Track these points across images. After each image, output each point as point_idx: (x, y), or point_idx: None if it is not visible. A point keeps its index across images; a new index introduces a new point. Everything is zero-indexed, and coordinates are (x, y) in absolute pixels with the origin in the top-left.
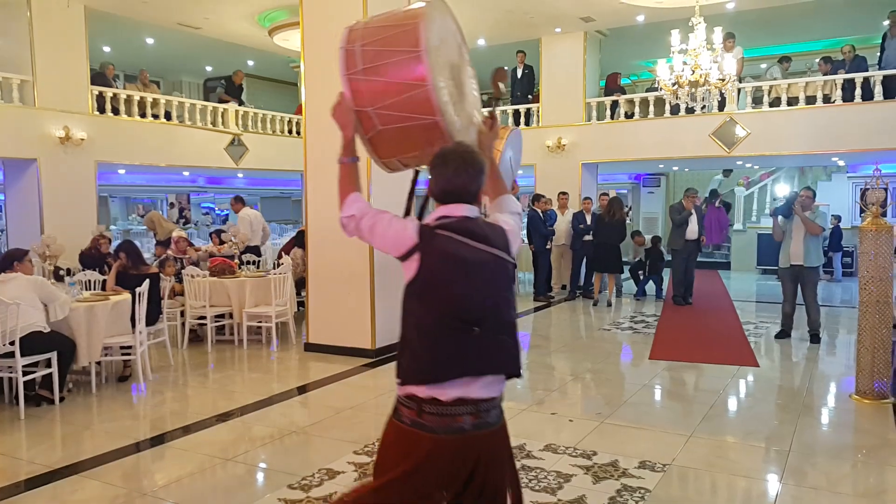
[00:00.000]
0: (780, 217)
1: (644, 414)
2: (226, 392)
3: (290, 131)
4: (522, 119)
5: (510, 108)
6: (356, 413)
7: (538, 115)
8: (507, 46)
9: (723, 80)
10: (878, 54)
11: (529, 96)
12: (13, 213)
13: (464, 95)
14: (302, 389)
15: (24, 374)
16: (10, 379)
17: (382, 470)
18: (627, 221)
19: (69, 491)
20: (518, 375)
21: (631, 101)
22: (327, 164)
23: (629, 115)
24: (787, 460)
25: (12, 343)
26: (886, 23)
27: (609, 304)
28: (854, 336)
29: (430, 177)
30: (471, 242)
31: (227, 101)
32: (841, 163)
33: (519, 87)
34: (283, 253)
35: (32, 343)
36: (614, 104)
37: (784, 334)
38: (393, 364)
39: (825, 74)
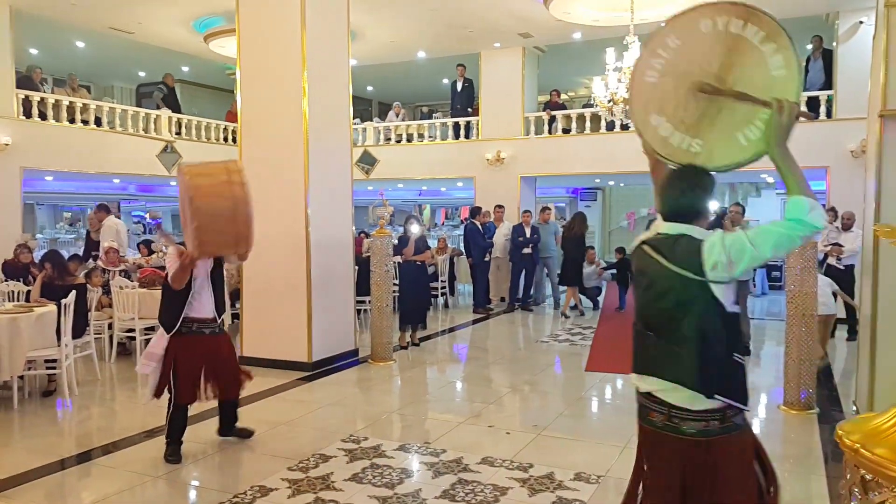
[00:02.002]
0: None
1: (580, 426)
2: (155, 407)
3: (225, 139)
4: (462, 132)
5: (450, 121)
6: (291, 428)
7: (478, 129)
8: (448, 59)
9: None
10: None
11: (469, 109)
12: None
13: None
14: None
15: None
16: None
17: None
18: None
19: None
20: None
21: (568, 117)
22: (262, 173)
23: (567, 131)
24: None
25: None
26: (809, 46)
27: (565, 316)
28: (782, 348)
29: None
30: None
31: (162, 107)
32: (770, 179)
33: (458, 99)
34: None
35: None
36: (552, 119)
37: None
38: (329, 377)
39: None
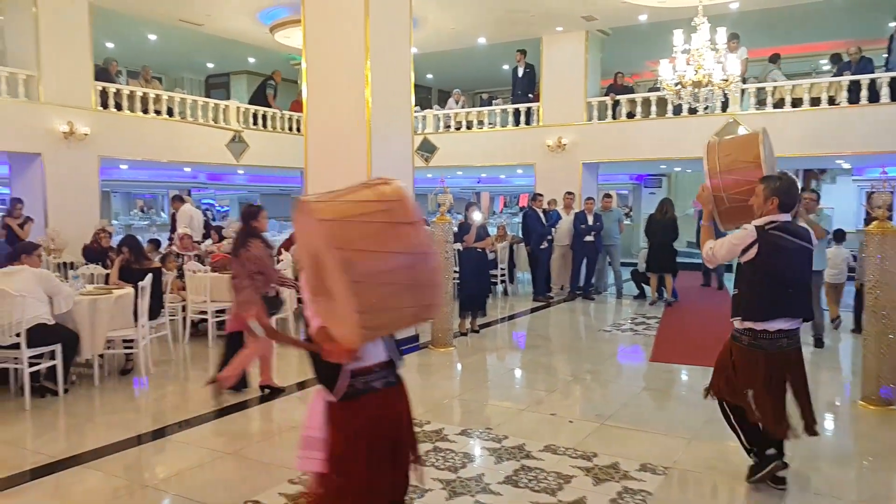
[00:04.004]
0: None
1: (645, 416)
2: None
3: (290, 128)
4: (522, 118)
5: (510, 108)
6: None
7: (538, 115)
8: (508, 45)
9: (726, 80)
10: (885, 56)
11: (530, 95)
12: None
13: None
14: (302, 385)
15: (30, 365)
16: (16, 370)
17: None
18: (627, 222)
19: (72, 482)
20: (812, 319)
21: (633, 101)
22: (327, 161)
23: (631, 115)
24: (790, 466)
25: (18, 335)
26: (893, 24)
27: (669, 304)
28: (859, 341)
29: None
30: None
31: (273, 102)
32: (846, 165)
33: (519, 86)
34: (282, 249)
35: (37, 335)
36: (616, 104)
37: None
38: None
39: (835, 74)
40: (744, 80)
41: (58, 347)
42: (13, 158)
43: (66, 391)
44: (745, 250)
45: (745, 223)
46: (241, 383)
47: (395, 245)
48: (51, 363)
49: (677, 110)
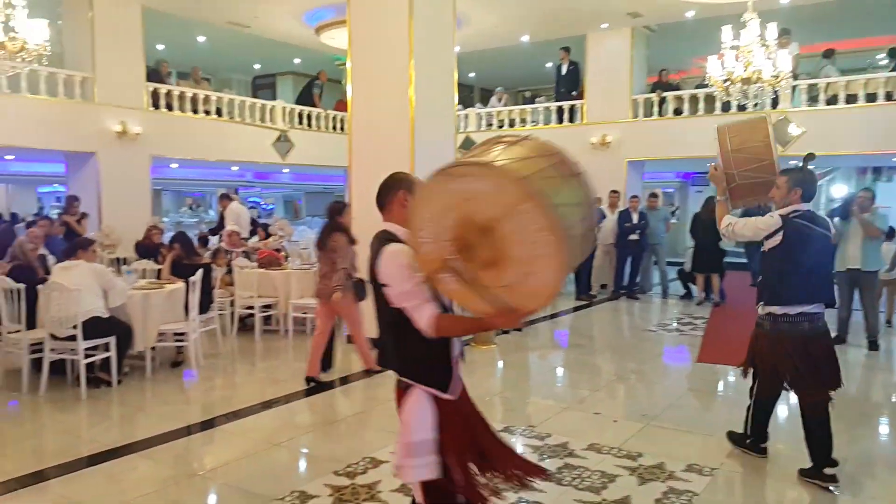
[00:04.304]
0: (836, 219)
1: (691, 417)
2: (272, 380)
3: (334, 128)
4: (566, 116)
5: (553, 106)
6: None
7: (582, 112)
8: (551, 43)
9: (776, 77)
10: None
11: (573, 93)
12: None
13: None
14: (345, 380)
15: (85, 357)
16: (73, 361)
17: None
18: (673, 221)
19: (125, 469)
20: (834, 305)
21: (680, 98)
22: (371, 159)
23: (678, 112)
24: (842, 470)
25: (75, 327)
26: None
27: (716, 304)
28: None
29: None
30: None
31: (319, 102)
32: None
33: (563, 83)
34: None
35: (93, 328)
36: (662, 101)
37: (840, 340)
38: None
39: (893, 69)
40: (795, 77)
41: (112, 340)
42: (70, 157)
43: (119, 382)
44: (769, 236)
45: (752, 200)
46: (326, 363)
47: (575, 197)
48: (105, 355)
49: (726, 107)
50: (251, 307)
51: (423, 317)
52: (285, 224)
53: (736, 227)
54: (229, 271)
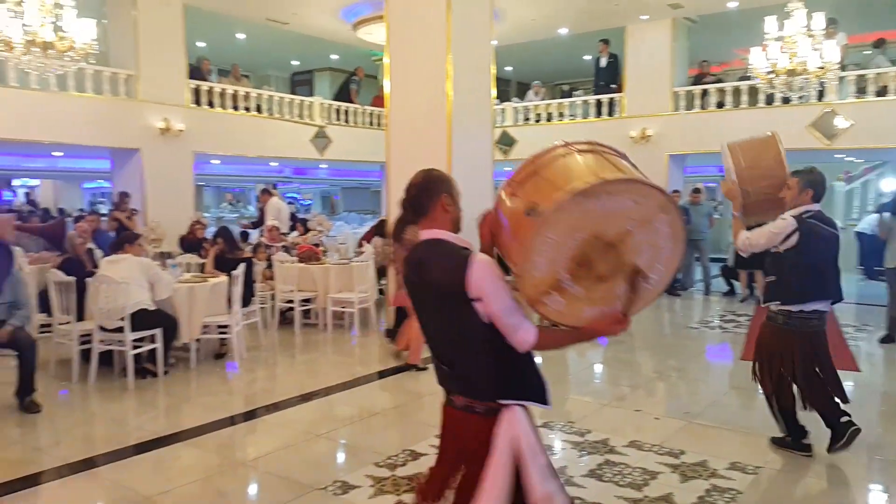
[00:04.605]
0: (885, 214)
1: (734, 415)
2: (312, 373)
3: (371, 123)
4: (605, 109)
5: (592, 99)
6: (436, 399)
7: (621, 105)
8: (590, 35)
9: (823, 68)
10: None
11: (612, 86)
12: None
13: None
14: (383, 374)
15: (133, 348)
16: (121, 352)
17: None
18: (717, 216)
19: (172, 457)
20: (841, 300)
21: (722, 91)
22: (408, 154)
23: (720, 105)
24: (891, 470)
25: (122, 319)
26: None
27: (759, 302)
28: None
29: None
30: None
31: (356, 98)
32: None
33: (602, 76)
34: (363, 241)
35: (140, 320)
36: (704, 93)
37: (889, 339)
38: None
39: None
40: (842, 68)
41: (158, 331)
42: (115, 154)
43: (165, 373)
44: (786, 238)
45: (767, 216)
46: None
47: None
48: (152, 346)
49: (769, 100)
50: (291, 301)
51: (527, 332)
52: (323, 219)
53: (753, 239)
54: (269, 266)
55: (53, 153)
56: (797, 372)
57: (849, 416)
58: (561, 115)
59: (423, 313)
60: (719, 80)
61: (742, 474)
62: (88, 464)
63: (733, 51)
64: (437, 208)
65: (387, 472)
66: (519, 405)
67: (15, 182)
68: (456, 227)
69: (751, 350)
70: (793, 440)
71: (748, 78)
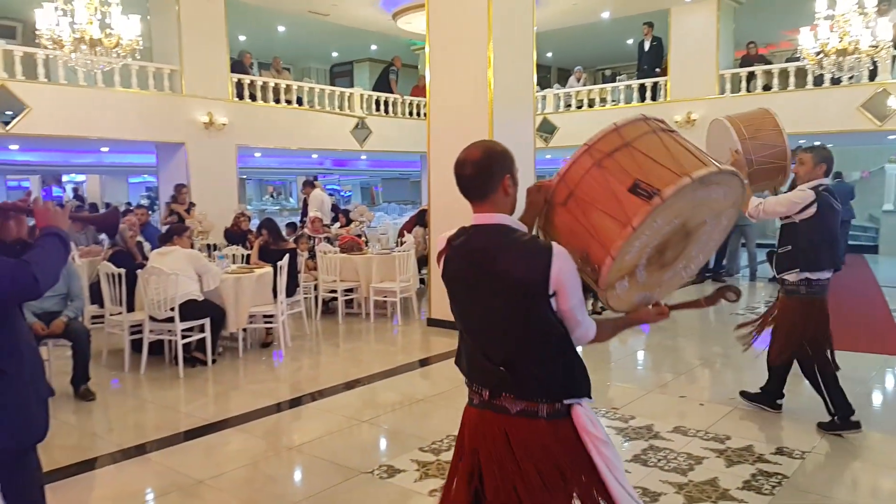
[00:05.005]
0: None
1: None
2: (355, 361)
3: (410, 113)
4: (648, 94)
5: (635, 83)
6: None
7: (666, 89)
8: (633, 19)
9: (875, 47)
10: None
11: (656, 69)
12: (166, 193)
13: None
14: (424, 362)
15: (182, 337)
16: (171, 342)
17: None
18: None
19: (221, 443)
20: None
21: (769, 73)
22: (449, 143)
23: (767, 88)
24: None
25: (172, 309)
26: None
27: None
28: None
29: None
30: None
31: (395, 88)
32: None
33: (645, 60)
34: (404, 231)
35: (189, 310)
36: (751, 76)
37: None
38: None
39: None
40: None
41: (207, 321)
42: (160, 148)
43: (213, 361)
44: (804, 208)
45: (767, 185)
46: None
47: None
48: (200, 336)
49: (818, 81)
50: (334, 291)
51: (590, 327)
52: (365, 210)
53: (766, 206)
54: (312, 256)
55: (101, 148)
56: (816, 338)
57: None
58: (603, 100)
59: (472, 307)
60: (766, 62)
61: (789, 459)
62: (141, 449)
63: (781, 32)
64: (500, 190)
65: (431, 457)
66: (579, 403)
67: (64, 178)
68: (513, 211)
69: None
70: (841, 419)
71: (796, 59)
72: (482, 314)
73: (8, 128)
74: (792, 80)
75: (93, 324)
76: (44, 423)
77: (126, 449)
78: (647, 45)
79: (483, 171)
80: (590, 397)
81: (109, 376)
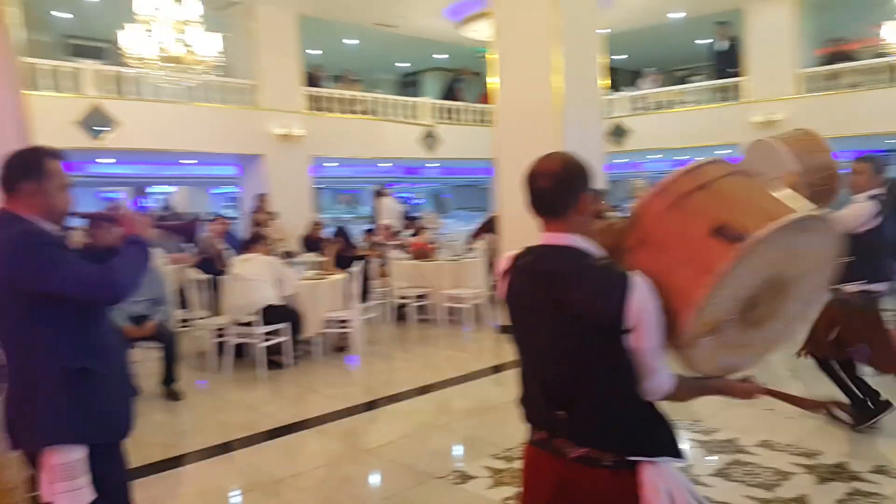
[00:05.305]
0: None
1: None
2: (428, 366)
3: (478, 120)
4: (725, 95)
5: (709, 85)
6: None
7: (742, 90)
8: (707, 18)
9: None
10: None
11: (732, 70)
12: (246, 202)
13: None
14: (497, 368)
15: (263, 341)
16: (252, 345)
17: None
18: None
19: (300, 443)
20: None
21: (854, 70)
22: (516, 150)
23: (853, 86)
24: None
25: (253, 314)
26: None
27: None
28: None
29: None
30: None
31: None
32: None
33: (720, 61)
34: (474, 238)
35: (269, 314)
36: (834, 74)
37: None
38: None
39: None
40: None
41: (286, 325)
42: (242, 160)
43: (292, 364)
44: (870, 219)
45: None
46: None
47: None
48: (280, 339)
49: None
50: (406, 297)
51: (666, 379)
52: (434, 217)
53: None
54: (384, 263)
55: (184, 161)
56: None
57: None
58: (677, 102)
59: (534, 335)
60: (850, 59)
61: (888, 478)
62: (225, 448)
63: (866, 27)
64: (578, 207)
65: (505, 464)
66: (651, 461)
67: (150, 189)
68: (588, 233)
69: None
70: (874, 404)
71: (883, 55)
72: (544, 344)
73: (101, 142)
74: (883, 76)
75: (180, 327)
76: (128, 420)
77: (211, 447)
78: (721, 46)
79: (561, 184)
80: (674, 456)
81: (196, 377)
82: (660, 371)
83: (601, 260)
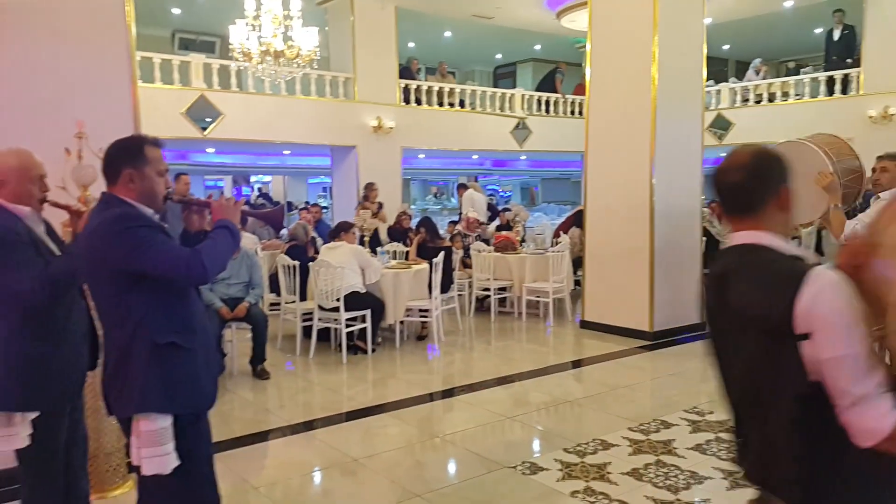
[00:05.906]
0: None
1: None
2: (506, 358)
3: (572, 112)
4: (838, 87)
5: (822, 76)
6: (631, 391)
7: (858, 82)
8: (820, 6)
9: None
10: None
11: (848, 60)
12: (338, 192)
13: None
14: (576, 364)
15: (346, 326)
16: (336, 330)
17: None
18: None
19: (379, 426)
20: None
21: None
22: (607, 143)
23: None
24: None
25: (338, 300)
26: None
27: None
28: None
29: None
30: None
31: (559, 89)
32: None
33: (834, 50)
34: (560, 232)
35: (352, 301)
36: None
37: None
38: (670, 349)
39: None
40: None
41: (368, 312)
42: (334, 151)
43: (373, 350)
44: None
45: (846, 208)
46: None
47: None
48: (362, 325)
49: None
50: (487, 289)
51: (883, 415)
52: (520, 209)
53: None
54: (468, 254)
55: (283, 151)
56: None
57: None
58: (785, 94)
59: (723, 357)
60: None
61: None
62: (308, 426)
63: None
64: (772, 203)
65: (576, 459)
66: None
67: (252, 178)
68: (787, 231)
69: None
70: None
71: None
72: (728, 366)
73: (206, 132)
74: None
75: (270, 311)
76: (212, 394)
77: (294, 425)
78: (836, 34)
79: (754, 177)
80: None
81: (283, 358)
82: (867, 401)
83: (782, 255)
